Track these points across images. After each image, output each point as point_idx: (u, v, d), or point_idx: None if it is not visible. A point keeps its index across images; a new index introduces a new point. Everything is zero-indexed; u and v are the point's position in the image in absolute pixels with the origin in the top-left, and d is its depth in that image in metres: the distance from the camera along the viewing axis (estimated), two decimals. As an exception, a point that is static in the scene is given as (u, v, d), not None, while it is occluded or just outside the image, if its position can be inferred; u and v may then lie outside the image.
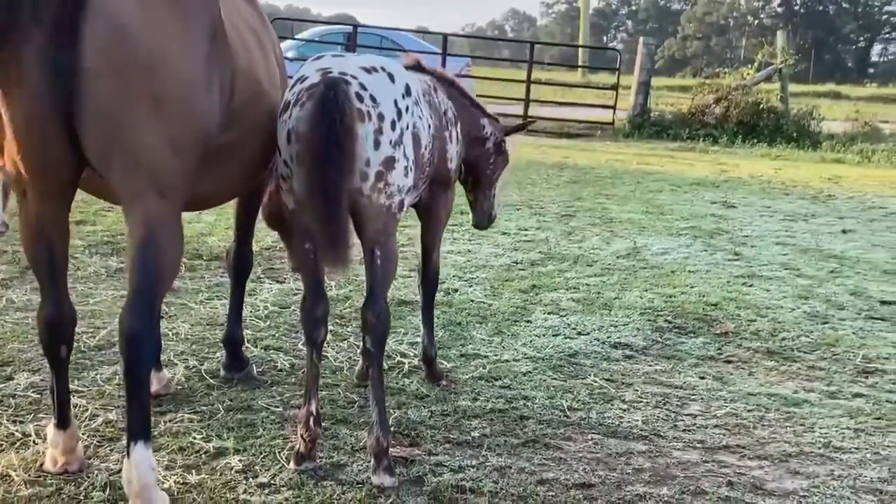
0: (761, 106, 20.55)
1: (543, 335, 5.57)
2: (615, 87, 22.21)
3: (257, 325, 5.39)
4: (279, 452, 3.74)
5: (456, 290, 6.44)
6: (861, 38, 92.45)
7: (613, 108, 21.38)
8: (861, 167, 16.94)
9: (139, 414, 3.10)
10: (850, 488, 3.80)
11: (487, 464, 3.77)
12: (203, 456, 3.68)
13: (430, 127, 3.87)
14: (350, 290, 6.16)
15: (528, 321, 5.84)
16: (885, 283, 7.44)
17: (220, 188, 3.73)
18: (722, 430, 4.33)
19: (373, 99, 3.49)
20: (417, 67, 4.40)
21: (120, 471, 3.26)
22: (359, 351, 4.68)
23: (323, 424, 3.92)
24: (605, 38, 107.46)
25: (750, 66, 22.84)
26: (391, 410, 4.15)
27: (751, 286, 7.07)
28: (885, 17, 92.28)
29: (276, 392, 4.41)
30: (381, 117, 3.48)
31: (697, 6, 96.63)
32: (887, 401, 4.83)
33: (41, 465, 3.48)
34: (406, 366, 4.88)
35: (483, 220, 4.98)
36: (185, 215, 3.43)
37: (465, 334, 5.48)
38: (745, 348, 5.57)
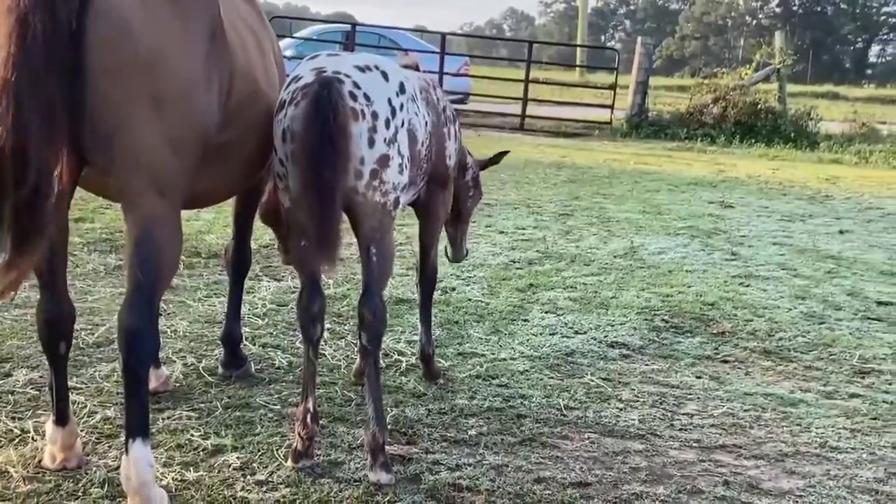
0: (759, 106, 20.58)
1: (540, 334, 5.58)
2: (613, 87, 22.25)
3: (255, 323, 5.40)
4: (277, 450, 3.75)
5: (453, 289, 6.45)
6: (859, 39, 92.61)
7: (611, 107, 21.42)
8: (858, 168, 16.97)
9: (138, 411, 3.11)
10: (845, 488, 3.81)
11: (484, 462, 3.78)
12: (201, 453, 3.69)
13: (426, 124, 3.89)
14: (348, 289, 6.17)
15: (525, 320, 5.86)
16: (882, 283, 7.46)
17: (219, 186, 3.74)
18: (718, 429, 4.34)
19: (366, 97, 3.50)
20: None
21: (118, 467, 3.27)
22: (356, 349, 4.69)
23: (321, 422, 3.93)
24: (603, 38, 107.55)
25: (748, 66, 22.88)
26: (388, 408, 4.16)
27: (748, 286, 7.09)
28: (883, 17, 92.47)
29: (274, 390, 4.42)
30: (374, 115, 3.50)
31: (696, 6, 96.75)
32: (883, 401, 4.84)
33: (40, 461, 3.49)
34: (403, 364, 4.89)
35: (460, 253, 5.02)
36: (184, 213, 3.44)
37: (463, 333, 5.50)
38: (742, 348, 5.59)
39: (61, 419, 3.45)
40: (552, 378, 4.87)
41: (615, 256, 7.85)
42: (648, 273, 7.32)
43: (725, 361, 5.34)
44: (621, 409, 4.50)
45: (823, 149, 19.18)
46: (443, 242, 4.82)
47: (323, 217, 3.30)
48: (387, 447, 3.67)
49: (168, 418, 4.00)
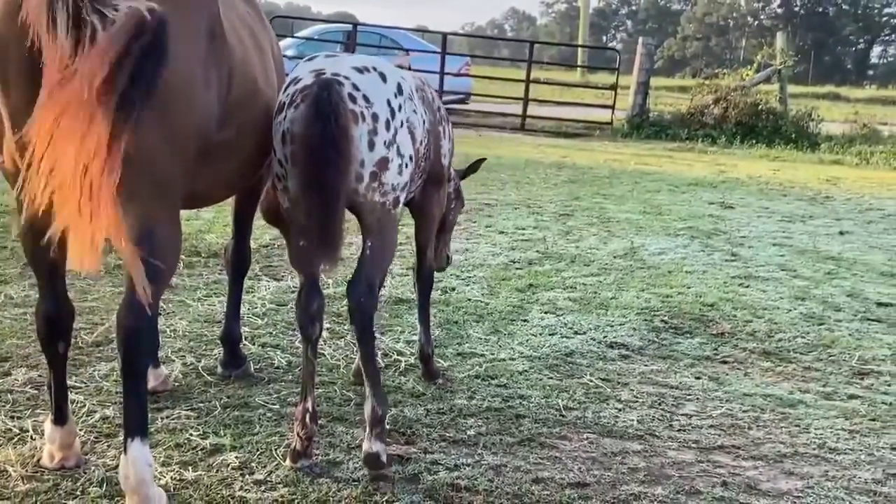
0: (760, 107, 20.56)
1: (540, 334, 5.59)
2: (614, 87, 22.24)
3: (255, 323, 5.40)
4: (276, 449, 3.75)
5: (453, 289, 6.45)
6: (861, 40, 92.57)
7: (612, 107, 21.41)
8: (859, 169, 16.96)
9: (136, 410, 3.11)
10: (844, 489, 3.81)
11: (483, 462, 3.79)
12: (200, 452, 3.69)
13: (424, 122, 3.92)
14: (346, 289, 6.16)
15: (524, 320, 5.86)
16: (882, 284, 7.46)
17: (218, 186, 3.75)
18: (717, 430, 4.34)
19: (366, 99, 3.53)
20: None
21: (117, 466, 3.27)
22: (355, 349, 4.69)
23: (319, 422, 3.94)
24: (604, 38, 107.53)
25: (749, 67, 22.84)
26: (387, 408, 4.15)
27: (747, 287, 7.09)
28: (884, 18, 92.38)
29: (273, 389, 4.43)
30: (374, 117, 3.53)
31: (697, 7, 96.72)
32: (882, 402, 4.84)
33: (38, 460, 3.49)
34: (402, 364, 4.90)
35: (443, 263, 4.98)
36: (184, 212, 3.45)
37: (462, 333, 5.50)
38: (742, 349, 5.59)
39: (60, 418, 3.46)
40: (551, 378, 4.87)
41: (615, 257, 7.85)
42: (648, 274, 7.32)
43: (725, 362, 5.34)
44: (620, 410, 4.50)
45: (824, 150, 19.16)
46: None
47: (325, 219, 3.34)
48: (385, 423, 3.74)
49: (167, 417, 4.00)
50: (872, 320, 6.40)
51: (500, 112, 22.35)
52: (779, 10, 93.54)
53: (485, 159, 5.14)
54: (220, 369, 4.56)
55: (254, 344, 5.04)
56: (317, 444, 3.76)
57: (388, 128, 3.56)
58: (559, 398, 4.58)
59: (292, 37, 23.86)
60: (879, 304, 6.82)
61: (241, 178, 3.93)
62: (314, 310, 3.65)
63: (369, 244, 3.68)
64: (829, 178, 14.86)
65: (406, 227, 7.10)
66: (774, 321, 6.19)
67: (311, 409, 3.66)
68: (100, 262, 2.75)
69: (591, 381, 4.86)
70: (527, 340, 5.46)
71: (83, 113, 2.56)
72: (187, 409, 4.11)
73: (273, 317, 5.56)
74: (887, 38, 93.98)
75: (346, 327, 5.44)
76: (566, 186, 12.07)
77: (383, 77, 3.68)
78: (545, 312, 6.05)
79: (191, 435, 3.83)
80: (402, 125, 3.66)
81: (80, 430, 3.76)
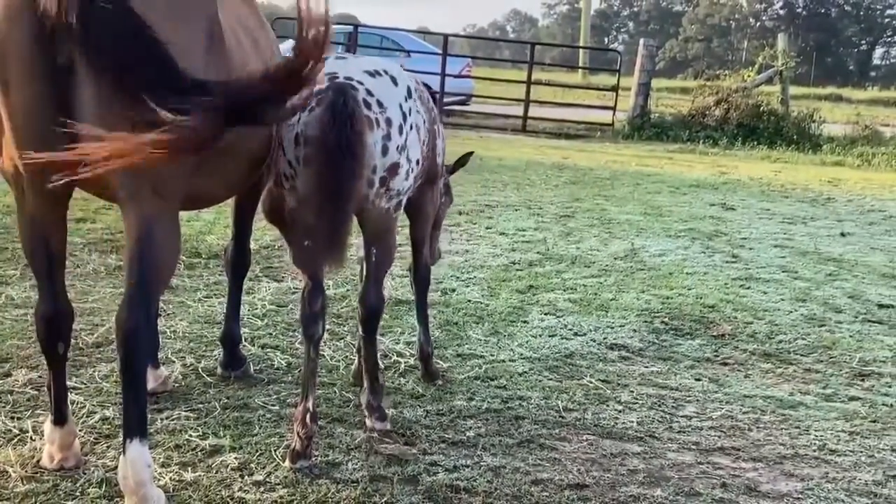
0: (761, 108, 20.55)
1: (540, 336, 5.58)
2: (615, 89, 22.23)
3: (255, 324, 5.40)
4: (275, 450, 3.75)
5: (453, 290, 6.45)
6: (863, 42, 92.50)
7: (613, 109, 21.41)
8: (861, 170, 16.94)
9: (136, 411, 3.12)
10: (844, 491, 3.81)
11: (482, 463, 3.79)
12: (199, 453, 3.69)
13: (424, 122, 3.96)
14: (347, 290, 6.17)
15: (524, 322, 5.86)
16: (883, 286, 7.45)
17: (217, 187, 3.75)
18: (717, 431, 4.34)
19: (380, 104, 3.58)
20: None
21: (116, 467, 3.27)
22: (355, 350, 4.69)
23: (319, 423, 3.94)
24: (606, 40, 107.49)
25: (751, 68, 22.84)
26: (387, 409, 4.16)
27: (748, 288, 7.08)
28: (887, 20, 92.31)
29: (273, 390, 4.43)
30: (388, 123, 3.59)
31: (699, 8, 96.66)
32: (883, 404, 4.84)
33: (38, 461, 3.50)
34: (402, 365, 4.90)
35: (435, 257, 4.99)
36: (185, 214, 3.46)
37: (462, 334, 5.50)
38: (742, 350, 5.59)
39: (60, 419, 3.46)
40: (551, 380, 4.87)
41: (615, 258, 7.85)
42: (649, 275, 7.32)
43: (725, 364, 5.34)
44: (620, 411, 4.50)
45: (826, 151, 19.14)
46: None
47: (336, 223, 3.39)
48: (383, 404, 4.08)
49: (166, 418, 4.01)
50: (873, 322, 6.39)
51: (501, 113, 22.36)
52: (781, 12, 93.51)
53: (472, 153, 5.15)
54: (219, 370, 4.57)
55: (253, 345, 5.04)
56: (316, 445, 3.76)
57: (400, 132, 3.62)
58: (559, 400, 4.58)
59: (294, 38, 23.83)
60: (880, 306, 6.81)
61: (241, 180, 3.92)
62: (317, 309, 3.68)
63: (374, 251, 3.78)
64: (830, 179, 14.85)
65: (406, 229, 7.12)
66: (775, 323, 6.19)
67: (311, 408, 3.67)
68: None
69: (591, 382, 4.86)
70: (527, 342, 5.46)
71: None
72: (187, 410, 4.11)
73: (273, 318, 5.56)
74: (889, 39, 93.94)
75: (345, 329, 5.44)
76: (567, 188, 12.07)
77: (394, 81, 3.73)
78: (545, 314, 6.05)
79: (190, 436, 3.83)
80: (411, 129, 3.71)
81: (80, 430, 3.76)
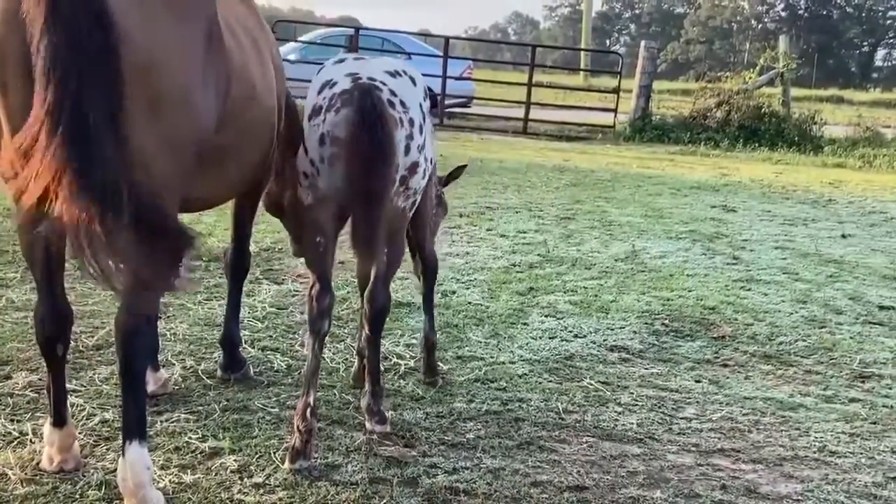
0: (763, 110, 20.54)
1: (540, 338, 5.58)
2: (616, 91, 22.23)
3: (255, 326, 5.40)
4: (274, 453, 3.75)
5: (453, 293, 6.45)
6: (865, 43, 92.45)
7: (615, 111, 21.40)
8: (862, 172, 16.93)
9: (135, 412, 3.12)
10: (844, 493, 3.81)
11: (482, 465, 3.79)
12: (198, 456, 3.70)
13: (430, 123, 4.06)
14: (348, 292, 6.17)
15: (524, 324, 5.86)
16: (884, 287, 7.45)
17: (217, 190, 3.75)
18: (717, 433, 4.34)
19: (403, 104, 3.64)
20: None
21: (116, 470, 3.28)
22: (355, 352, 4.69)
23: (319, 425, 3.94)
24: (607, 42, 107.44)
25: (752, 70, 22.83)
26: (386, 412, 4.16)
27: (749, 290, 7.08)
28: (889, 21, 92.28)
29: (273, 393, 4.43)
30: (411, 122, 3.65)
31: (701, 10, 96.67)
32: (883, 405, 4.84)
33: (37, 463, 3.50)
34: (402, 367, 4.90)
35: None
36: (184, 216, 3.46)
37: (462, 336, 5.50)
38: (742, 352, 5.58)
39: (59, 421, 3.46)
40: (551, 382, 4.87)
41: (616, 260, 7.85)
42: (649, 277, 7.31)
43: (725, 365, 5.34)
44: (620, 413, 4.50)
45: (827, 153, 19.12)
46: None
47: (372, 224, 3.44)
48: (383, 408, 4.08)
49: (166, 421, 4.01)
50: (874, 324, 6.39)
51: (502, 115, 22.36)
52: (782, 14, 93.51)
53: (465, 166, 5.22)
54: (219, 373, 4.57)
55: (253, 347, 5.04)
56: (315, 447, 3.76)
57: (420, 132, 3.69)
58: (559, 401, 4.58)
59: (295, 41, 23.91)
60: (881, 308, 6.80)
61: (241, 182, 3.93)
62: (325, 306, 3.71)
63: (386, 251, 3.80)
64: (831, 181, 14.85)
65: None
66: (775, 324, 6.18)
67: (312, 403, 3.68)
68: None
69: (591, 384, 4.86)
70: (527, 344, 5.46)
71: None
72: (186, 413, 4.11)
73: (273, 320, 5.56)
74: (891, 40, 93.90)
75: (345, 331, 5.44)
76: (568, 190, 12.07)
77: (413, 81, 3.81)
78: (545, 316, 6.05)
79: (190, 438, 3.83)
80: (428, 129, 3.80)
81: (80, 433, 3.77)
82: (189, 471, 3.56)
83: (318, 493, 3.46)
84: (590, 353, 5.36)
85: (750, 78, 21.96)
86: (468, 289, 6.60)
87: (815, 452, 4.19)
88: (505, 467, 3.79)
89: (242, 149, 3.62)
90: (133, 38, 2.84)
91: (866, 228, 10.39)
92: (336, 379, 4.67)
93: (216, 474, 3.55)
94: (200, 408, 4.18)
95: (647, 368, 5.19)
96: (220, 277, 6.20)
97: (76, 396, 4.15)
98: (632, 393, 4.78)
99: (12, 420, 3.91)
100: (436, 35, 33.19)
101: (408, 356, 5.05)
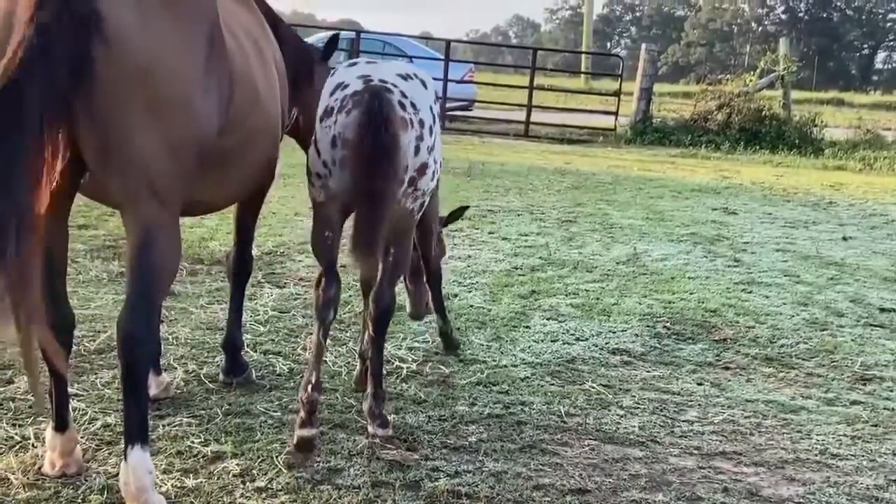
0: (763, 113, 20.54)
1: (542, 341, 5.58)
2: (617, 94, 22.23)
3: (257, 330, 5.41)
4: (277, 457, 3.75)
5: (455, 296, 6.45)
6: (865, 46, 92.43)
7: (616, 114, 21.40)
8: (863, 174, 16.93)
9: (137, 417, 3.12)
10: (845, 495, 3.81)
11: (484, 469, 3.79)
12: (201, 460, 3.70)
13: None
14: (349, 295, 6.17)
15: (526, 327, 5.86)
16: (885, 290, 7.44)
17: (220, 194, 3.76)
18: (719, 436, 4.34)
19: (413, 106, 3.71)
20: None
21: (118, 474, 3.28)
22: (356, 354, 4.69)
23: (321, 429, 3.96)
24: (608, 45, 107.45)
25: (753, 72, 22.83)
26: (389, 416, 4.16)
27: (750, 293, 7.08)
28: (889, 24, 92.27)
29: (275, 396, 4.43)
30: (421, 124, 3.72)
31: (701, 13, 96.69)
32: (885, 408, 4.84)
33: (39, 468, 3.50)
34: (404, 371, 4.90)
35: (421, 310, 5.13)
36: (187, 219, 3.47)
37: (464, 339, 5.49)
38: (744, 355, 5.58)
39: (61, 426, 3.46)
40: (553, 385, 4.87)
41: (618, 263, 7.85)
42: (651, 279, 7.32)
43: (727, 368, 5.34)
44: (622, 416, 4.50)
45: (828, 155, 19.11)
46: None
47: (372, 225, 3.50)
48: (385, 411, 4.09)
49: (168, 425, 4.01)
50: (875, 326, 6.39)
51: (503, 118, 22.36)
52: (783, 16, 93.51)
53: (467, 208, 5.39)
54: (221, 376, 4.57)
55: (256, 351, 5.05)
56: (318, 451, 3.78)
57: (430, 134, 3.75)
58: (561, 405, 4.58)
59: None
60: (882, 310, 6.81)
61: (244, 186, 3.94)
62: (331, 295, 3.85)
63: (393, 251, 3.90)
64: (832, 183, 14.84)
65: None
66: (777, 327, 6.19)
67: (314, 380, 3.83)
68: None
69: (593, 387, 4.86)
70: (529, 347, 5.46)
71: None
72: (189, 417, 4.11)
73: (275, 324, 5.56)
74: (892, 43, 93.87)
75: (347, 335, 5.45)
76: (569, 192, 12.07)
77: (424, 84, 3.89)
78: (547, 319, 6.05)
79: (192, 442, 3.83)
80: (438, 131, 3.87)
81: (82, 437, 3.77)
82: (191, 475, 3.56)
83: (320, 496, 3.46)
84: (592, 356, 5.36)
85: (750, 81, 21.96)
86: (470, 292, 6.61)
87: (816, 455, 4.19)
88: (507, 471, 3.79)
89: (246, 154, 3.63)
90: (135, 42, 2.86)
91: (867, 231, 10.39)
92: (338, 383, 4.67)
93: (218, 478, 3.55)
94: (202, 412, 4.18)
95: (648, 371, 5.19)
96: (222, 281, 6.21)
97: (78, 400, 4.15)
98: (634, 396, 4.78)
99: (14, 424, 3.91)
100: (437, 38, 33.24)
101: (410, 359, 5.05)
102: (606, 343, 5.62)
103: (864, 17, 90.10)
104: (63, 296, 3.35)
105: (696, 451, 4.14)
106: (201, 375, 4.62)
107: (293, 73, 4.53)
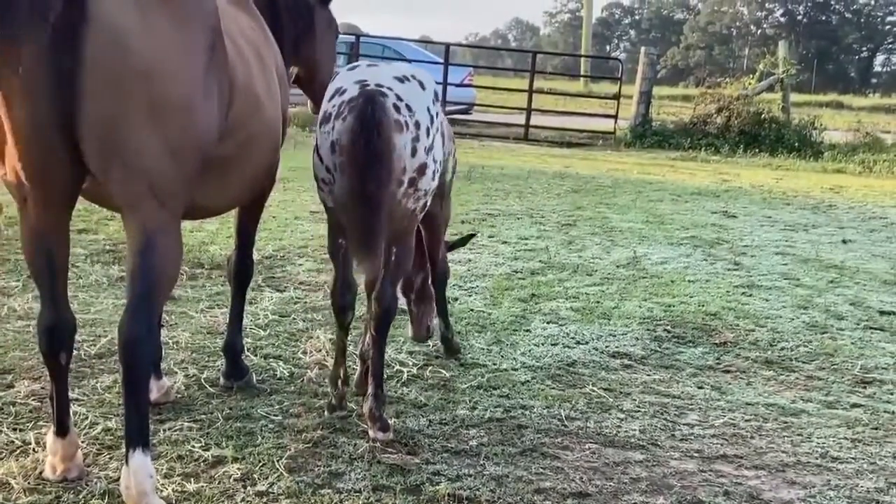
0: (763, 116, 20.55)
1: (542, 344, 5.59)
2: (617, 97, 22.24)
3: (257, 334, 5.41)
4: (278, 461, 3.75)
5: (456, 300, 6.45)
6: (864, 49, 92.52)
7: (615, 117, 21.42)
8: (862, 177, 16.94)
9: (138, 421, 3.12)
10: (846, 499, 3.80)
11: (485, 473, 3.79)
12: (202, 464, 3.70)
13: (445, 126, 4.21)
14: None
15: (527, 330, 5.86)
16: (885, 293, 7.45)
17: (220, 198, 3.77)
18: (719, 439, 4.34)
19: (409, 108, 3.75)
20: None
21: (119, 479, 3.28)
22: (357, 356, 4.68)
23: (322, 433, 3.98)
24: (607, 48, 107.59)
25: (752, 75, 22.85)
26: (389, 419, 4.16)
27: (750, 296, 7.08)
28: (888, 27, 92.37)
29: (276, 401, 4.43)
30: (417, 125, 3.75)
31: (700, 16, 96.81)
32: (885, 411, 4.84)
33: (40, 472, 3.50)
34: (405, 374, 4.90)
35: (423, 332, 5.14)
36: (187, 224, 3.48)
37: (464, 343, 5.49)
38: (744, 358, 5.59)
39: (62, 430, 3.46)
40: (553, 388, 4.87)
41: (618, 266, 7.85)
42: (651, 283, 7.32)
43: (727, 371, 5.34)
44: (622, 420, 4.50)
45: (827, 158, 19.11)
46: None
47: (368, 228, 3.56)
48: (385, 415, 4.10)
49: (169, 429, 4.01)
50: (875, 329, 6.39)
51: (503, 122, 22.37)
52: (781, 19, 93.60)
53: (474, 235, 5.42)
54: (222, 380, 4.57)
55: (256, 355, 5.05)
56: (318, 456, 3.78)
57: (427, 134, 3.79)
58: (561, 408, 4.58)
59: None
60: (882, 313, 6.81)
61: (245, 190, 3.95)
62: (348, 301, 4.08)
63: (395, 251, 3.96)
64: (831, 186, 14.85)
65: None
66: (777, 330, 6.19)
67: (341, 375, 4.21)
68: None
69: (594, 390, 4.86)
70: (529, 350, 5.46)
71: None
72: (189, 421, 4.11)
73: (275, 328, 5.56)
74: (890, 46, 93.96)
75: (348, 338, 5.44)
76: (569, 196, 12.08)
77: (422, 85, 3.93)
78: (547, 322, 6.05)
79: (193, 446, 3.83)
80: (437, 131, 3.90)
81: (83, 442, 3.76)
82: (192, 479, 3.55)
83: (321, 500, 3.46)
84: (592, 360, 5.36)
85: (750, 84, 21.97)
86: (470, 296, 6.61)
87: (817, 458, 4.19)
88: (508, 474, 3.79)
89: (246, 158, 3.64)
90: (136, 45, 2.87)
91: (867, 234, 10.40)
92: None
93: (219, 483, 3.55)
94: (203, 416, 4.18)
95: (649, 375, 5.19)
96: (222, 285, 6.21)
97: (79, 405, 4.15)
98: (634, 399, 4.78)
99: (15, 429, 3.91)
100: (436, 42, 33.24)
101: (410, 363, 5.05)
102: (607, 346, 5.62)
103: (862, 19, 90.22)
104: (64, 300, 3.35)
105: (696, 455, 4.14)
106: (202, 380, 4.62)
107: (293, 31, 4.55)
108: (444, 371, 4.98)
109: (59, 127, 2.89)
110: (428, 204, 4.02)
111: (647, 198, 12.24)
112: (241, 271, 4.54)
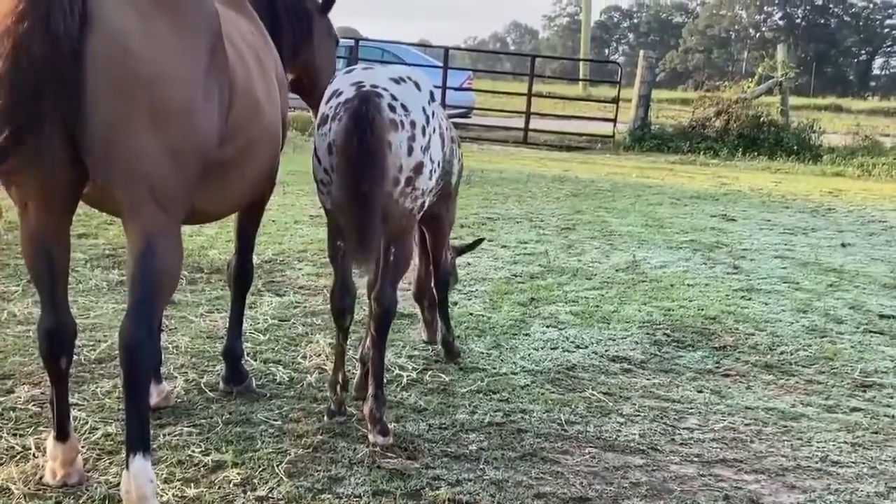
0: (762, 119, 20.58)
1: (542, 348, 5.59)
2: (616, 101, 22.27)
3: (257, 339, 5.41)
4: (277, 466, 3.75)
5: (455, 304, 6.45)
6: (863, 52, 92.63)
7: (614, 121, 21.45)
8: (861, 181, 16.96)
9: (138, 425, 3.12)
10: (846, 503, 3.81)
11: (485, 477, 3.79)
12: (201, 469, 3.69)
13: (446, 128, 4.21)
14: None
15: (526, 334, 5.86)
16: (884, 296, 7.45)
17: (220, 203, 3.77)
18: (719, 443, 4.34)
19: (404, 108, 3.78)
20: None
21: (119, 483, 3.28)
22: (356, 360, 4.68)
23: (321, 437, 3.97)
24: (606, 52, 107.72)
25: (751, 79, 22.88)
26: (389, 423, 4.16)
27: (749, 300, 7.09)
28: (886, 30, 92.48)
29: (275, 405, 4.43)
30: (413, 124, 3.78)
31: (699, 19, 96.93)
32: (885, 415, 4.84)
33: (41, 477, 3.50)
34: (404, 379, 4.90)
35: (437, 337, 5.28)
36: (187, 228, 3.48)
37: (464, 347, 5.49)
38: (744, 362, 5.59)
39: (62, 435, 3.46)
40: (553, 392, 4.87)
41: (617, 270, 7.86)
42: (650, 287, 7.32)
43: (727, 375, 5.34)
44: (622, 424, 4.50)
45: (826, 161, 19.15)
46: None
47: (364, 228, 3.58)
48: (385, 419, 4.09)
49: (169, 434, 4.01)
50: (875, 332, 6.39)
51: (502, 126, 22.40)
52: (780, 22, 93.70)
53: (483, 240, 5.52)
54: (222, 385, 4.56)
55: (256, 360, 5.04)
56: (318, 461, 3.78)
57: (423, 133, 3.81)
58: (561, 412, 4.58)
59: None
60: (882, 317, 6.81)
61: (244, 194, 3.95)
62: (347, 304, 4.07)
63: (393, 251, 3.98)
64: (831, 189, 14.87)
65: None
66: (776, 334, 6.19)
67: (340, 380, 4.19)
68: None
69: (593, 395, 4.86)
70: (528, 354, 5.46)
71: None
72: (189, 426, 4.11)
73: (275, 333, 5.56)
74: (889, 49, 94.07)
75: (349, 342, 5.43)
76: (568, 200, 12.09)
77: (418, 86, 3.95)
78: (547, 326, 6.06)
79: (193, 451, 3.83)
80: (434, 131, 3.91)
81: (83, 446, 3.76)
82: (192, 484, 3.55)
83: (321, 505, 3.46)
84: (591, 364, 5.37)
85: (749, 87, 22.00)
86: (469, 300, 6.61)
87: (817, 462, 4.19)
88: (508, 479, 3.79)
89: (246, 163, 3.64)
90: (137, 50, 2.87)
91: (866, 237, 10.41)
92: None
93: (219, 488, 3.55)
94: (203, 421, 4.18)
95: (648, 379, 5.19)
96: (222, 290, 6.21)
97: (78, 410, 4.15)
98: (634, 403, 4.78)
99: (15, 434, 3.91)
100: (435, 45, 33.26)
101: (410, 368, 5.05)
102: (606, 350, 5.63)
103: (861, 22, 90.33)
104: (65, 304, 3.35)
105: (696, 459, 4.14)
106: (202, 384, 4.62)
107: (292, 37, 4.58)
108: (443, 375, 4.98)
109: (60, 131, 2.89)
110: (426, 204, 4.04)
111: (646, 201, 12.25)
112: (241, 275, 4.54)
